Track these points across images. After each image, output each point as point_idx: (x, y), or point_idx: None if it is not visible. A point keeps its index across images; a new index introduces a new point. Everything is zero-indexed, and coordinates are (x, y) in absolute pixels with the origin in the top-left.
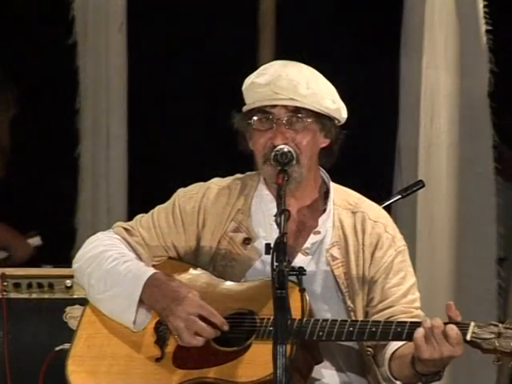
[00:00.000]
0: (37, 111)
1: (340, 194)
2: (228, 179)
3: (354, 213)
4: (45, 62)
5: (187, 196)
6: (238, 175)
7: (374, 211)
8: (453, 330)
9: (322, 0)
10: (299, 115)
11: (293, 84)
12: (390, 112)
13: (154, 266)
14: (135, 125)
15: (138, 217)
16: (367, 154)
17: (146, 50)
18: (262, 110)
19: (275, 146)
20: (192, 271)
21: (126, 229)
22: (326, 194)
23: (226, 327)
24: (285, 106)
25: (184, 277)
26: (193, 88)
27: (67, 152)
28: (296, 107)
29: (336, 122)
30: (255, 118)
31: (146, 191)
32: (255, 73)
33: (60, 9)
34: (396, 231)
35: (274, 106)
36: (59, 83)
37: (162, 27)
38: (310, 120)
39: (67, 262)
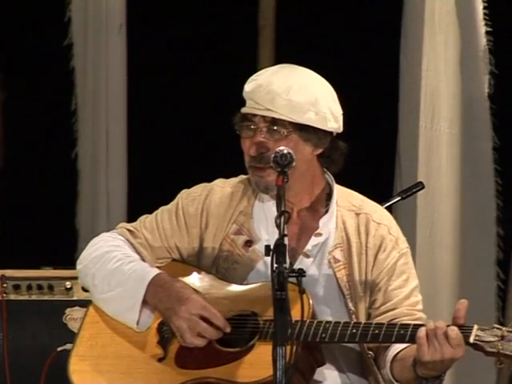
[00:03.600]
0: (33, 112)
1: (344, 195)
2: (231, 180)
3: (357, 214)
4: (40, 62)
5: (190, 198)
6: (242, 176)
7: (377, 213)
8: (453, 330)
9: (322, 0)
10: (275, 127)
11: (270, 96)
12: (389, 113)
13: (157, 268)
14: (135, 125)
15: (142, 218)
16: (367, 155)
17: (146, 50)
18: (246, 118)
19: (251, 156)
20: (195, 273)
21: (129, 230)
22: (328, 196)
23: (228, 329)
24: (263, 117)
25: (187, 279)
26: (193, 88)
27: (65, 153)
28: (273, 118)
29: (326, 131)
30: (241, 123)
31: (146, 191)
32: (251, 77)
33: (56, 10)
34: (399, 233)
35: (255, 115)
36: (55, 85)
37: (161, 27)
38: (287, 131)
39: (67, 263)
